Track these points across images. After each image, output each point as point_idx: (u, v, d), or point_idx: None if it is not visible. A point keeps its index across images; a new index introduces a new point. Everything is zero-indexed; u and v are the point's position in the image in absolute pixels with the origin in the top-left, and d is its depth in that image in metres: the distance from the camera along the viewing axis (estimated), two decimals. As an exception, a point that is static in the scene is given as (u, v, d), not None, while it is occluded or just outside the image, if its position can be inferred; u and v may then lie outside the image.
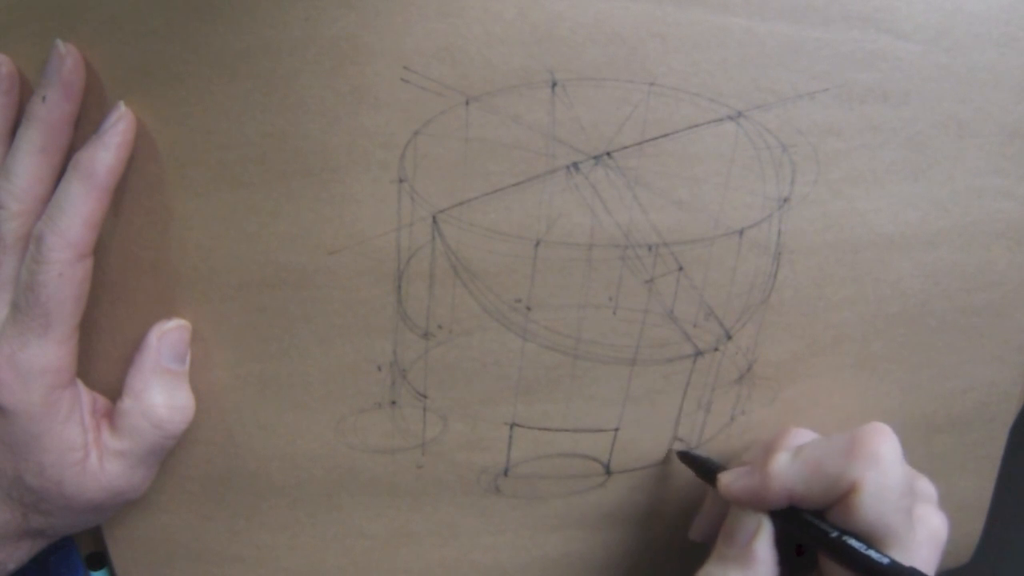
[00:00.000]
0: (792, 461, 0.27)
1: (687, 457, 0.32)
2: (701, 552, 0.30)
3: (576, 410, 0.31)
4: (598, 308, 0.29)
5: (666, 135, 0.27)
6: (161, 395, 0.28)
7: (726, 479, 0.29)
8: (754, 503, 0.28)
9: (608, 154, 0.27)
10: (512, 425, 0.31)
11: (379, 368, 0.29)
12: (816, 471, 0.27)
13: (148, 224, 0.27)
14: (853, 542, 0.26)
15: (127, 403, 0.28)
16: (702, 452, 0.33)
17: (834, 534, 0.26)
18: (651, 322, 0.30)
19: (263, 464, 0.31)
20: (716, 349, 0.31)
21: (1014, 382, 0.34)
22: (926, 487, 0.30)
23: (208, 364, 0.29)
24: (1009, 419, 0.35)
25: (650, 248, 0.28)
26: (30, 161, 0.25)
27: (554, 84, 0.26)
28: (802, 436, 0.30)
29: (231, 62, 0.25)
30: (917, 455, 0.34)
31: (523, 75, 0.26)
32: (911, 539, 0.26)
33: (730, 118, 0.27)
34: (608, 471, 0.33)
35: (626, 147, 0.27)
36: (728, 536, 0.29)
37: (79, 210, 0.25)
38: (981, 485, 0.36)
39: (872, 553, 0.25)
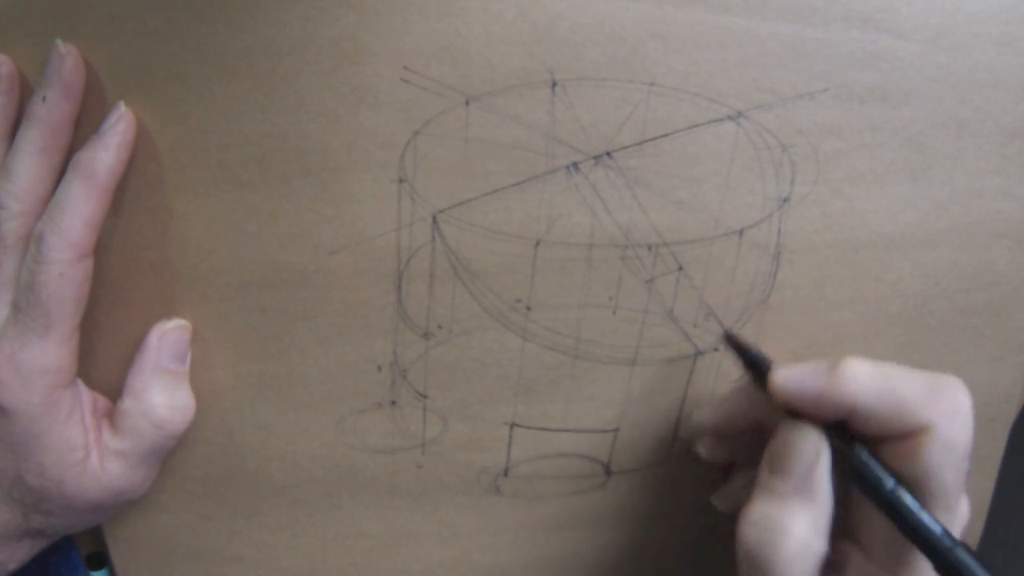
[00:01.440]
0: (870, 373, 0.24)
1: (734, 341, 0.29)
2: (702, 552, 0.30)
3: (576, 410, 0.31)
4: (598, 308, 0.29)
5: (666, 135, 0.27)
6: (161, 395, 0.28)
7: (784, 375, 0.25)
8: (813, 408, 0.25)
9: (608, 154, 0.27)
10: (512, 425, 0.31)
11: (379, 368, 0.29)
12: (893, 393, 0.24)
13: (148, 224, 0.27)
14: (908, 498, 0.23)
15: (127, 403, 0.28)
16: (752, 340, 0.29)
17: (890, 484, 0.23)
18: (651, 322, 0.30)
19: (263, 464, 0.31)
20: (716, 349, 0.31)
21: (1014, 382, 0.34)
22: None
23: (208, 364, 0.29)
24: (1009, 419, 0.35)
25: (650, 248, 0.28)
26: (30, 161, 0.25)
27: (554, 84, 0.26)
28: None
29: (231, 62, 0.25)
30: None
31: (523, 75, 0.26)
32: (957, 510, 0.24)
33: (730, 118, 0.27)
34: (608, 471, 0.32)
35: (626, 147, 0.27)
36: (781, 465, 0.25)
37: (79, 210, 0.25)
38: (981, 485, 0.36)
39: (926, 516, 0.23)
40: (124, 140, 0.25)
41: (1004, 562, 0.42)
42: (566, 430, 0.31)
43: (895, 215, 0.29)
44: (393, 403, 0.30)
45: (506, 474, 0.32)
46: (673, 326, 0.30)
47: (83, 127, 0.26)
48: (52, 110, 0.25)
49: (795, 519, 0.25)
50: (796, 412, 0.25)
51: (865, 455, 0.24)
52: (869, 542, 0.25)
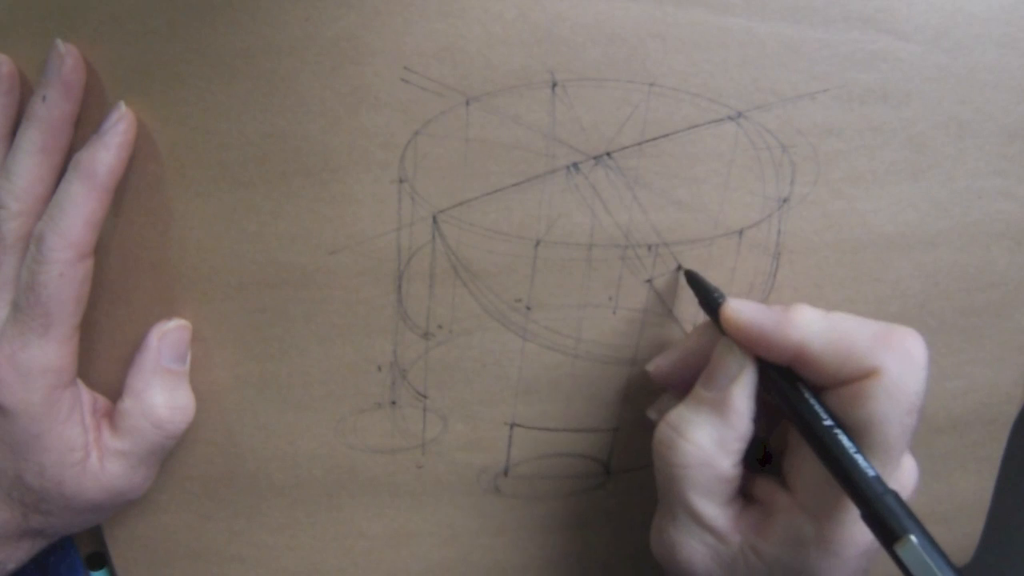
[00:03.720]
0: (819, 318, 0.24)
1: (694, 279, 0.28)
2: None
3: (576, 410, 0.31)
4: (598, 308, 0.29)
5: (666, 135, 0.27)
6: (161, 395, 0.28)
7: (736, 306, 0.25)
8: (758, 343, 0.25)
9: (608, 154, 0.27)
10: (512, 425, 0.31)
11: (379, 368, 0.29)
12: (842, 338, 0.23)
13: (148, 224, 0.27)
14: (844, 438, 0.23)
15: (128, 403, 0.28)
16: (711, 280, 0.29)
17: (827, 421, 0.23)
18: (651, 322, 0.30)
19: (263, 464, 0.31)
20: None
21: (1014, 383, 0.34)
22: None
23: (208, 364, 0.29)
24: (1009, 420, 0.35)
25: (650, 248, 0.28)
26: (30, 161, 0.25)
27: (554, 84, 0.26)
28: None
29: (231, 62, 0.25)
30: (918, 456, 0.34)
31: (523, 75, 0.26)
32: (898, 467, 0.24)
33: (730, 118, 0.27)
34: (608, 471, 0.33)
35: (626, 147, 0.27)
36: (708, 378, 0.26)
37: (80, 210, 0.25)
38: (981, 486, 0.36)
39: (859, 458, 0.22)
40: (124, 140, 0.25)
41: (1004, 562, 0.42)
42: (566, 430, 0.31)
43: (895, 215, 0.29)
44: (393, 403, 0.30)
45: (506, 474, 0.32)
46: (673, 326, 0.30)
47: (83, 127, 0.26)
48: (52, 110, 0.25)
49: (699, 427, 0.25)
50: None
51: (806, 392, 0.24)
52: (799, 485, 0.25)
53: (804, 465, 0.25)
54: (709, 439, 0.25)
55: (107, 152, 0.25)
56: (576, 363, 0.30)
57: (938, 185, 0.29)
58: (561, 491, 0.33)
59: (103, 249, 0.27)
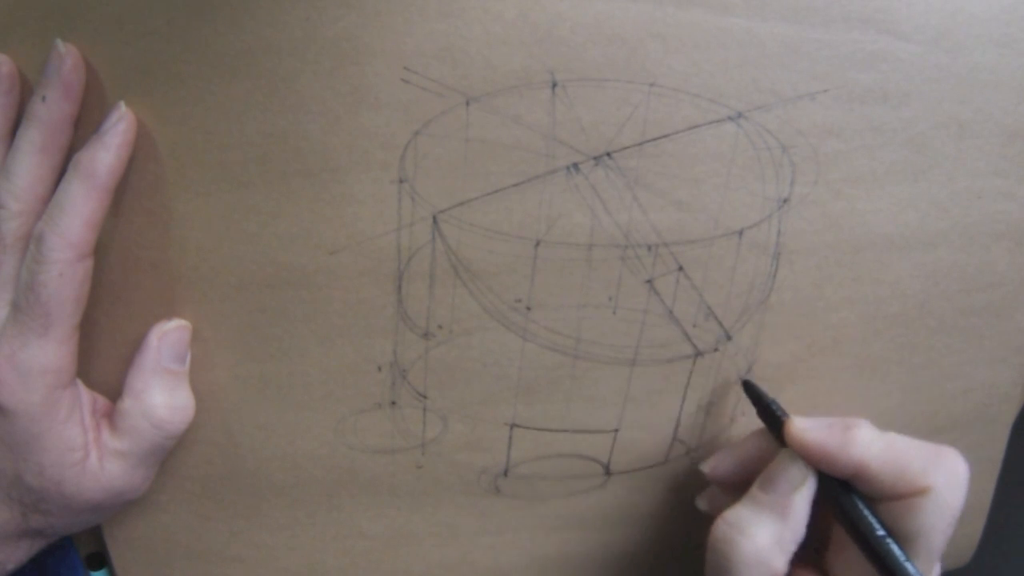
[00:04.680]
0: (877, 438, 0.27)
1: (752, 390, 0.31)
2: (701, 553, 0.30)
3: (576, 410, 0.31)
4: (598, 308, 0.29)
5: (666, 136, 0.27)
6: (161, 395, 0.28)
7: (801, 425, 0.28)
8: (822, 460, 0.27)
9: (608, 154, 0.27)
10: (512, 425, 0.31)
11: (379, 368, 0.29)
12: (898, 458, 0.26)
13: (148, 224, 0.27)
14: (895, 547, 0.25)
15: (127, 403, 0.28)
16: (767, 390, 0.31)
17: (880, 531, 0.26)
18: (651, 322, 0.30)
19: (263, 464, 0.31)
20: (716, 350, 0.31)
21: (1014, 383, 0.34)
22: None
23: (208, 364, 0.29)
24: (1009, 420, 0.35)
25: (650, 248, 0.28)
26: (30, 161, 0.25)
27: (554, 84, 0.26)
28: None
29: (231, 62, 0.25)
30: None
31: (523, 75, 0.26)
32: (932, 568, 0.26)
33: (730, 119, 0.27)
34: (608, 472, 0.32)
35: (626, 147, 0.27)
36: (768, 482, 0.28)
37: (79, 210, 0.25)
38: (982, 486, 0.36)
39: (910, 566, 0.25)
40: (124, 140, 0.25)
41: (1004, 562, 0.42)
42: (566, 430, 0.31)
43: (895, 216, 0.29)
44: (393, 403, 0.30)
45: (506, 474, 0.32)
46: (673, 326, 0.30)
47: (83, 127, 0.26)
48: (52, 110, 0.25)
49: (761, 527, 0.27)
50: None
51: (861, 504, 0.26)
52: None
53: (851, 566, 0.27)
54: (769, 539, 0.27)
55: (107, 152, 0.25)
56: (576, 363, 0.30)
57: (938, 185, 0.29)
58: (561, 492, 0.33)
59: (103, 249, 0.27)
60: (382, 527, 0.32)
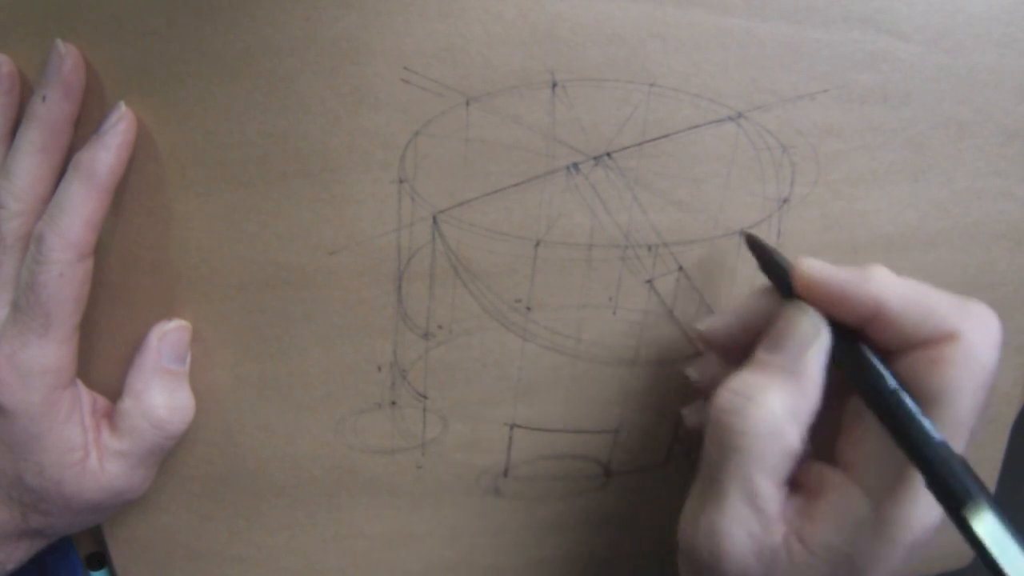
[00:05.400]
0: (898, 279, 0.23)
1: (755, 242, 0.28)
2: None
3: (576, 410, 0.31)
4: (598, 308, 0.29)
5: (666, 136, 0.27)
6: (161, 395, 0.28)
7: (813, 264, 0.24)
8: (835, 301, 0.23)
9: (608, 155, 0.27)
10: (512, 426, 0.31)
11: (379, 368, 0.29)
12: (923, 299, 0.23)
13: (148, 224, 0.27)
14: (909, 400, 0.21)
15: (127, 403, 0.28)
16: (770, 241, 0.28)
17: (892, 383, 0.22)
18: (651, 322, 0.30)
19: (263, 464, 0.31)
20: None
21: (1014, 382, 0.34)
22: None
23: (208, 364, 0.29)
24: (1010, 420, 0.35)
25: (650, 248, 0.28)
26: (30, 161, 0.25)
27: (554, 85, 0.26)
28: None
29: (231, 62, 0.25)
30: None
31: (523, 75, 0.26)
32: (962, 445, 0.22)
33: (730, 119, 0.27)
34: (608, 472, 0.32)
35: (626, 148, 0.27)
36: (776, 341, 0.24)
37: (80, 210, 0.25)
38: (981, 486, 0.36)
39: (926, 421, 0.21)
40: (124, 140, 0.25)
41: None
42: (566, 431, 0.31)
43: (895, 216, 0.29)
44: (393, 403, 0.30)
45: (506, 475, 0.32)
46: (673, 326, 0.30)
47: (83, 127, 0.26)
48: (52, 110, 0.25)
49: (773, 393, 0.23)
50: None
51: (872, 356, 0.23)
52: (857, 460, 0.24)
53: (864, 438, 0.23)
54: (782, 407, 0.23)
55: (107, 152, 0.25)
56: (576, 363, 0.30)
57: (938, 185, 0.29)
58: (561, 492, 0.33)
59: (103, 249, 0.27)
60: (382, 527, 0.32)
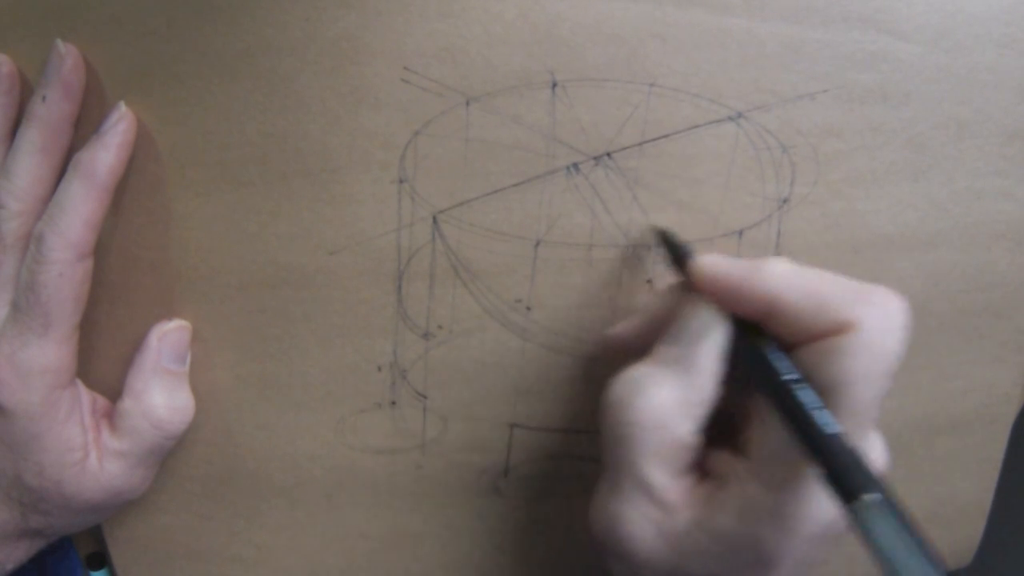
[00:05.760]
0: (793, 270, 0.23)
1: (665, 237, 0.27)
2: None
3: (576, 411, 0.31)
4: (598, 308, 0.29)
5: (666, 136, 0.27)
6: (161, 396, 0.28)
7: (708, 259, 0.24)
8: (729, 295, 0.23)
9: (608, 155, 0.27)
10: (512, 426, 0.31)
11: (379, 368, 0.29)
12: (818, 290, 0.22)
13: (148, 224, 0.27)
14: (809, 393, 0.21)
15: (127, 403, 0.28)
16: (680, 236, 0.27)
17: (788, 376, 0.21)
18: (651, 323, 0.30)
19: (263, 464, 0.31)
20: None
21: (1014, 383, 0.34)
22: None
23: (208, 364, 0.29)
24: (1009, 420, 0.35)
25: (650, 248, 0.28)
26: (30, 161, 0.25)
27: (554, 85, 0.26)
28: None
29: (231, 62, 0.25)
30: (918, 457, 0.34)
31: (523, 76, 0.26)
32: (864, 435, 0.22)
33: (730, 119, 0.27)
34: (608, 472, 0.32)
35: (626, 148, 0.27)
36: (672, 336, 0.24)
37: (79, 210, 0.25)
38: (982, 487, 0.36)
39: (821, 413, 0.20)
40: (124, 140, 0.25)
41: (1004, 562, 0.42)
42: (566, 431, 0.31)
43: (895, 216, 0.29)
44: (393, 403, 0.30)
45: (506, 475, 0.32)
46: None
47: (83, 127, 0.26)
48: (52, 110, 0.25)
49: (660, 385, 0.23)
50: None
51: (769, 346, 0.22)
52: (757, 452, 0.23)
53: (763, 431, 0.23)
54: (669, 398, 0.23)
55: (107, 152, 0.25)
56: (576, 363, 0.30)
57: (938, 185, 0.29)
58: (561, 492, 0.33)
59: (103, 249, 0.27)
60: (382, 527, 0.32)
